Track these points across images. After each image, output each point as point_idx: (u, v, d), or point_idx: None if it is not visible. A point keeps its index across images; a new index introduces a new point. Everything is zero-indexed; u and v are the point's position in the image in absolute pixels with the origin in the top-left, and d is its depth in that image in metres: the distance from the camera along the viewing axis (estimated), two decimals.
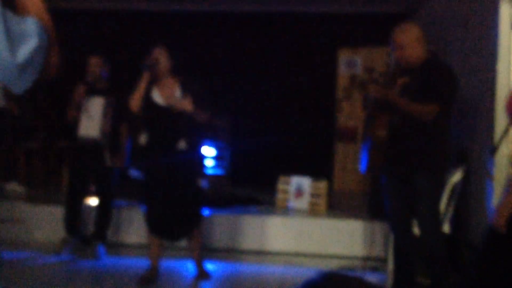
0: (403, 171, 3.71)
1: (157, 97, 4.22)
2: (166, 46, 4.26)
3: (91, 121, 4.87)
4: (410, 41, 3.61)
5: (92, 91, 4.93)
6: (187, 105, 4.09)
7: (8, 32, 1.43)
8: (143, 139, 4.18)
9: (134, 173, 4.29)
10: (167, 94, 4.22)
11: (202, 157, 4.43)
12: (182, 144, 4.16)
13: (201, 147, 4.41)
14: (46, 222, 5.53)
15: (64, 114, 5.01)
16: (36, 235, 5.54)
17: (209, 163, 6.40)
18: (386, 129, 3.60)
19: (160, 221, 4.20)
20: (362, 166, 3.80)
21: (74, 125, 4.94)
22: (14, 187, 6.31)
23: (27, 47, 1.48)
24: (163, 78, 4.25)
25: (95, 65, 4.97)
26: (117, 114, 4.90)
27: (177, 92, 4.22)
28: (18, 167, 6.53)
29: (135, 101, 4.15)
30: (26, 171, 7.12)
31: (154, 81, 4.23)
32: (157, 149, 4.17)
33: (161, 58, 4.19)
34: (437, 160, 3.64)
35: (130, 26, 8.35)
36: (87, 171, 4.97)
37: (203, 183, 4.30)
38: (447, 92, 3.59)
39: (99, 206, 5.05)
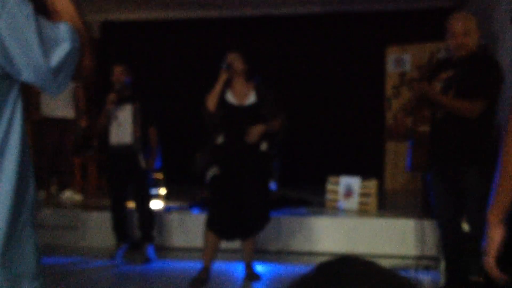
0: (450, 167, 3.62)
1: (231, 97, 4.33)
2: (240, 51, 4.39)
3: (122, 128, 5.03)
4: (468, 29, 3.52)
5: (119, 99, 5.09)
6: (259, 130, 4.19)
7: (41, 37, 1.48)
8: (220, 139, 4.26)
9: (209, 174, 4.34)
10: (241, 95, 4.33)
11: (275, 159, 4.49)
12: (264, 146, 4.25)
13: (276, 149, 4.48)
14: (100, 228, 5.67)
15: (93, 124, 5.18)
16: (91, 241, 5.68)
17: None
18: (427, 124, 3.53)
19: (224, 220, 4.22)
20: (407, 164, 3.74)
21: (104, 134, 5.14)
22: (70, 195, 6.51)
23: (60, 51, 1.52)
24: (237, 81, 4.35)
25: (120, 73, 5.12)
26: (144, 119, 5.07)
27: (252, 95, 4.31)
28: (75, 175, 6.73)
29: (212, 100, 4.25)
30: (82, 179, 7.33)
31: (227, 84, 4.33)
32: (234, 149, 4.25)
33: (235, 62, 4.30)
34: (485, 155, 3.54)
35: (174, 34, 8.49)
36: (124, 176, 5.09)
37: (272, 186, 4.36)
38: (493, 88, 3.49)
39: (139, 209, 5.16)
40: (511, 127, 1.76)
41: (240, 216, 4.23)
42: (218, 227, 4.26)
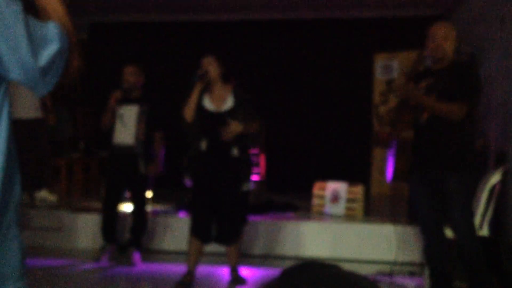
0: (432, 173, 3.66)
1: (208, 104, 4.31)
2: (214, 55, 4.35)
3: (126, 128, 4.96)
4: (447, 35, 3.65)
5: (127, 100, 5.03)
6: (235, 128, 4.18)
7: (30, 36, 1.48)
8: (204, 145, 4.25)
9: (188, 182, 4.35)
10: (219, 101, 4.31)
11: (251, 163, 4.48)
12: (235, 151, 4.23)
13: (250, 153, 4.48)
14: (86, 230, 5.64)
15: (99, 121, 5.12)
16: (76, 243, 5.65)
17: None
18: (411, 130, 3.60)
19: (206, 225, 4.25)
20: (388, 175, 3.78)
21: (109, 133, 5.04)
22: (44, 195, 6.41)
23: (49, 51, 1.52)
24: (214, 85, 4.33)
25: (130, 74, 5.06)
26: (151, 122, 4.99)
27: (230, 99, 4.30)
28: (50, 176, 6.63)
29: (188, 112, 4.25)
30: (67, 181, 7.29)
31: (205, 89, 4.32)
32: (212, 155, 4.25)
33: (210, 67, 4.28)
34: (467, 161, 3.60)
35: (165, 36, 8.48)
36: (122, 178, 5.05)
37: (249, 186, 4.35)
38: (474, 92, 3.59)
39: (134, 213, 5.12)
40: None
41: (217, 220, 4.25)
42: (200, 233, 4.28)
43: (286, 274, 0.78)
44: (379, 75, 7.58)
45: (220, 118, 4.24)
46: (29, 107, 6.09)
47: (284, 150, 8.00)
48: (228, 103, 4.30)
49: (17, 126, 5.86)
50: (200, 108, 4.28)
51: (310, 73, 8.15)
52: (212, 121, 4.26)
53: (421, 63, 3.81)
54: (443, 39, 3.64)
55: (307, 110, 8.13)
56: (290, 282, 0.76)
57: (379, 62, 7.58)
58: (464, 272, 3.82)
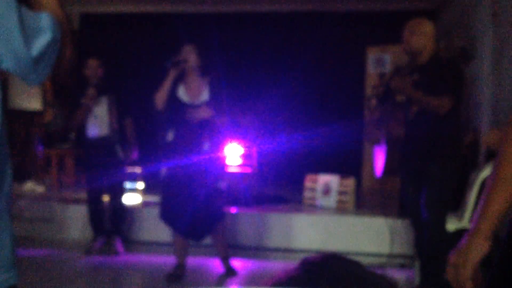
0: (419, 165, 3.75)
1: (183, 94, 4.26)
2: (195, 45, 4.29)
3: (98, 120, 5.02)
4: (416, 30, 3.71)
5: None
6: (204, 112, 4.16)
7: (23, 25, 1.47)
8: (170, 136, 4.23)
9: (163, 171, 4.37)
10: (194, 92, 4.26)
11: (223, 158, 4.45)
12: (206, 145, 4.20)
13: (222, 148, 4.44)
14: (76, 220, 5.63)
15: (71, 118, 5.17)
16: (67, 233, 5.65)
17: (234, 162, 6.42)
18: (402, 127, 3.67)
19: (180, 219, 4.21)
20: (378, 170, 3.83)
21: (80, 127, 5.14)
22: (31, 186, 6.40)
23: (41, 41, 1.51)
24: (191, 76, 4.28)
25: (96, 67, 5.09)
26: (120, 110, 5.08)
27: (205, 92, 4.25)
28: (38, 167, 6.62)
29: (160, 98, 4.20)
30: (58, 172, 7.26)
31: (181, 79, 4.27)
32: (183, 147, 4.20)
33: (190, 56, 4.23)
34: (449, 151, 3.69)
35: (152, 28, 8.46)
36: (102, 169, 5.06)
37: (222, 185, 4.32)
38: (457, 85, 3.68)
39: (112, 202, 5.16)
40: (510, 129, 1.52)
41: (193, 215, 4.17)
42: (174, 224, 4.26)
43: (306, 268, 0.78)
44: (372, 68, 7.59)
45: (193, 111, 4.20)
46: (32, 99, 6.09)
47: (276, 142, 8.00)
48: (204, 95, 4.25)
49: (15, 116, 5.81)
50: (173, 98, 4.23)
51: (302, 66, 8.13)
52: (184, 113, 4.21)
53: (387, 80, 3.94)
54: (410, 34, 3.71)
55: (299, 102, 8.12)
56: (310, 277, 0.76)
57: (371, 55, 7.59)
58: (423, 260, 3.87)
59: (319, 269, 0.75)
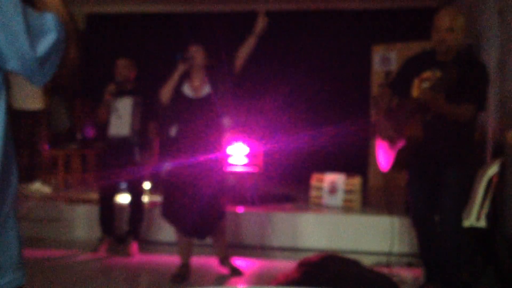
0: (433, 167, 3.64)
1: (188, 90, 4.28)
2: (202, 46, 4.34)
3: (121, 120, 5.01)
4: (453, 26, 3.46)
5: (121, 92, 5.08)
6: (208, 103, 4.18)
7: (28, 26, 1.47)
8: (173, 131, 4.24)
9: (166, 167, 4.36)
10: (197, 88, 4.28)
11: (227, 156, 4.45)
12: (210, 142, 4.20)
13: (227, 146, 4.45)
14: (83, 221, 5.65)
15: (95, 115, 5.17)
16: (75, 234, 5.66)
17: (240, 161, 6.41)
18: (421, 129, 3.48)
19: (184, 219, 4.18)
20: (384, 164, 3.74)
21: (105, 125, 5.11)
22: (38, 187, 6.41)
23: (47, 42, 1.52)
24: (196, 74, 4.30)
25: (123, 67, 5.13)
26: (145, 113, 5.06)
27: (206, 87, 4.26)
28: (44, 168, 6.62)
29: (166, 92, 4.21)
30: (65, 172, 7.28)
31: (186, 76, 4.28)
32: (187, 143, 4.19)
33: (197, 55, 4.25)
34: (467, 156, 3.59)
35: (159, 28, 8.47)
36: (119, 169, 5.06)
37: (228, 181, 4.31)
38: (485, 92, 3.53)
39: (131, 204, 5.14)
40: None
41: (195, 211, 4.13)
42: (178, 223, 4.24)
43: (306, 269, 0.78)
44: (378, 67, 7.57)
45: (197, 105, 4.20)
46: (34, 98, 6.10)
47: (282, 141, 7.98)
48: (206, 89, 4.26)
49: (19, 117, 5.81)
50: (178, 93, 4.24)
51: (308, 64, 8.13)
52: (189, 108, 4.22)
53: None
54: (448, 31, 3.45)
55: (305, 101, 8.11)
56: (310, 277, 0.76)
57: (377, 53, 7.57)
58: (436, 266, 3.79)
59: (318, 270, 0.75)
